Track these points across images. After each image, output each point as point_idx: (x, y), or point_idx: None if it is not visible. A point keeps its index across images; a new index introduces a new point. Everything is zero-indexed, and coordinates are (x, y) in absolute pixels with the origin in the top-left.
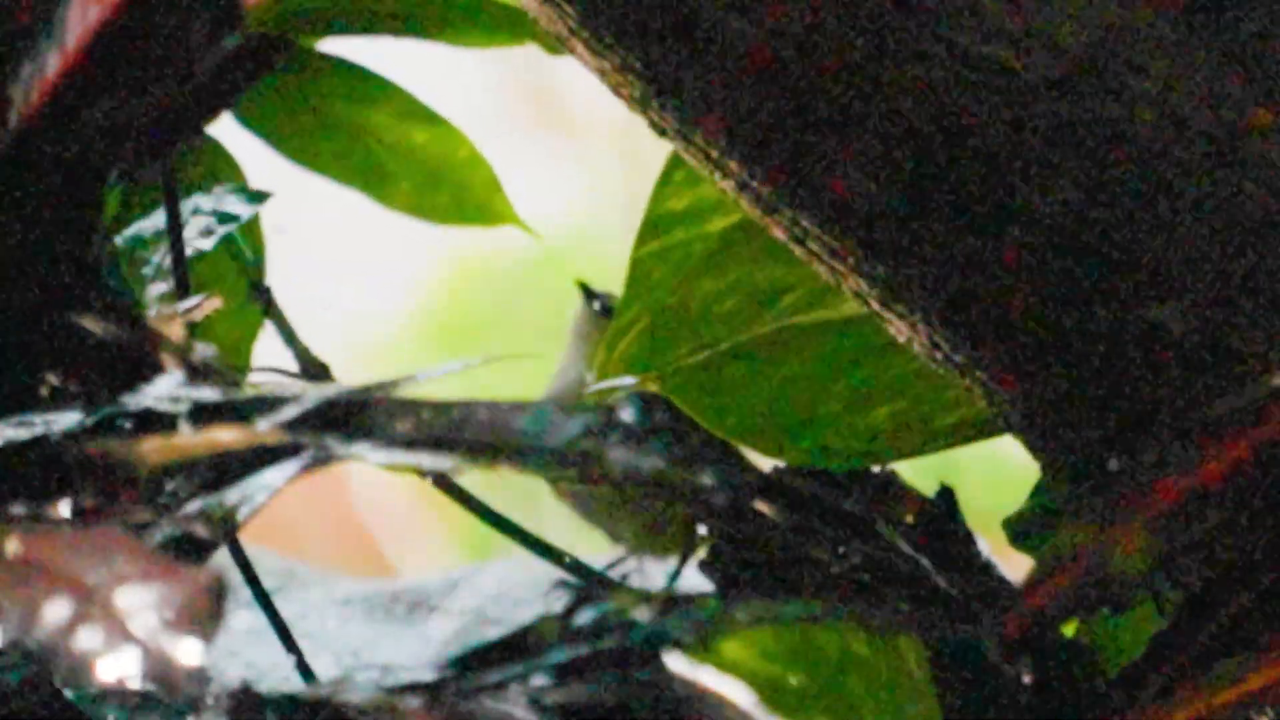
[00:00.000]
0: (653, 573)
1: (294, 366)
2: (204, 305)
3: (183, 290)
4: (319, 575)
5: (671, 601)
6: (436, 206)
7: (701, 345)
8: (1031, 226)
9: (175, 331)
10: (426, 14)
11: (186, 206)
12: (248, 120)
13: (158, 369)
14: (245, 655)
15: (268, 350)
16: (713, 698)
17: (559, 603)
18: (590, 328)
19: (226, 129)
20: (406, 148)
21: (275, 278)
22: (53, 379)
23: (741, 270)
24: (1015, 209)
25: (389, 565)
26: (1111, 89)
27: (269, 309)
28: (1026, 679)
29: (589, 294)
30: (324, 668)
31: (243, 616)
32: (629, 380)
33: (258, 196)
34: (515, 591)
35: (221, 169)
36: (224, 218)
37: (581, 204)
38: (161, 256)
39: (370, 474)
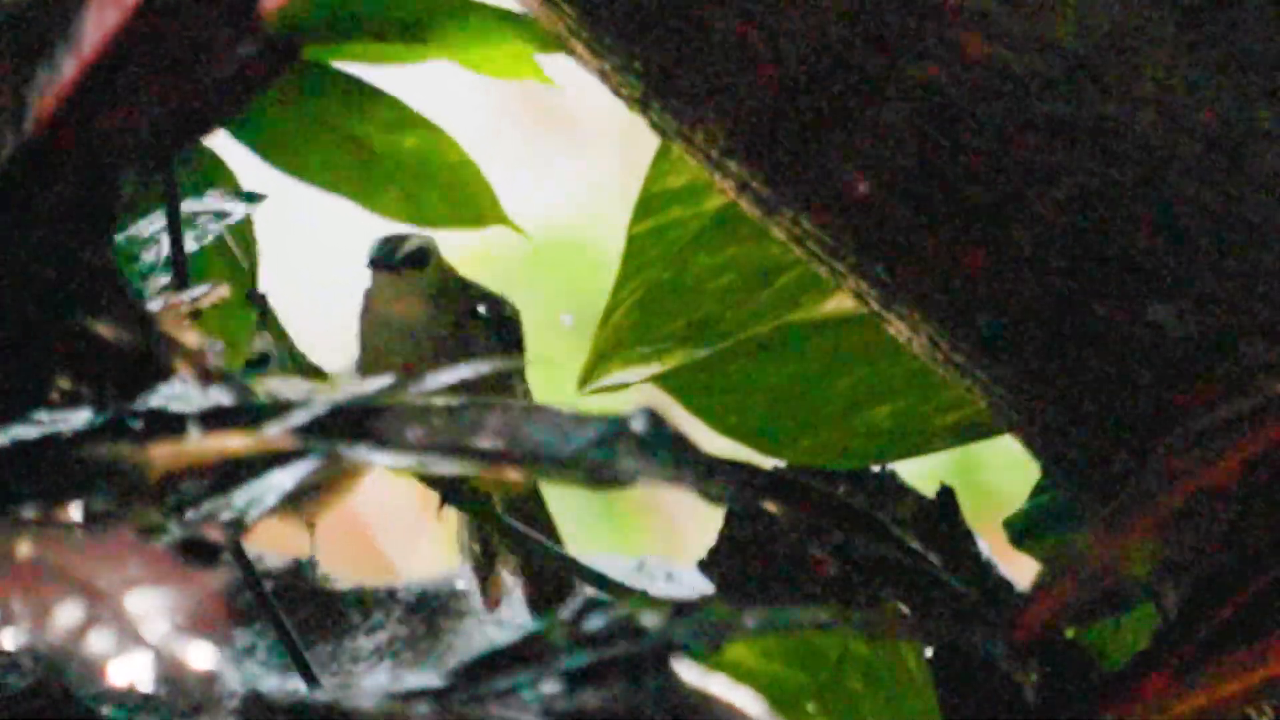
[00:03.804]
0: (654, 571)
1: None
2: (211, 294)
3: (181, 289)
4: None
5: (680, 608)
6: (427, 210)
7: (694, 320)
8: (1032, 226)
9: (189, 336)
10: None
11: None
12: (235, 129)
13: (169, 372)
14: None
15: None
16: (723, 706)
17: (566, 607)
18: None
19: (215, 138)
20: (396, 153)
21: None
22: (64, 382)
23: (738, 248)
24: (1015, 209)
25: (390, 565)
26: (1111, 89)
27: (264, 315)
28: (1030, 681)
29: None
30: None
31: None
32: (629, 377)
33: (251, 198)
34: (515, 591)
35: (216, 175)
36: (216, 215)
37: (581, 199)
38: (156, 259)
39: (372, 474)
